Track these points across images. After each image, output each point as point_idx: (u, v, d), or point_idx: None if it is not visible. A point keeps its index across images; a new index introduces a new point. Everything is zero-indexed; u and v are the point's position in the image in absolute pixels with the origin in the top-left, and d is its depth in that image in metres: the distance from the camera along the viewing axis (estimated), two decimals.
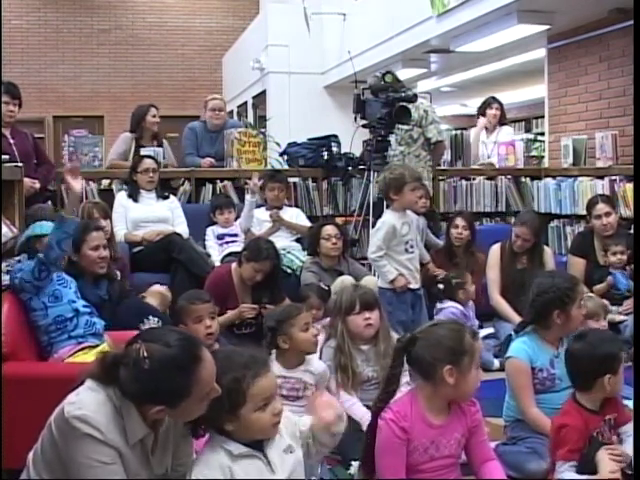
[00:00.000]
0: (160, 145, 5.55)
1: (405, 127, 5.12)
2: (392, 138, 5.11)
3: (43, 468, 1.89)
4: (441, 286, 4.34)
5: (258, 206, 5.10)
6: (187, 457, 2.03)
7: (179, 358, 1.82)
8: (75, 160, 5.10)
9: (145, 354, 1.79)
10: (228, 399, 1.85)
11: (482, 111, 6.53)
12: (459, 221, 4.79)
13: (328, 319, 3.40)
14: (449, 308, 4.22)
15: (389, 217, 4.00)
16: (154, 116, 5.54)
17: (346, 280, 4.10)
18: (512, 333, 2.99)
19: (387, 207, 4.14)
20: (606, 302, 4.11)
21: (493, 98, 6.58)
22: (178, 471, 2.02)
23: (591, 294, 4.01)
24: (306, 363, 2.87)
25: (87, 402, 1.83)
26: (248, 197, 4.91)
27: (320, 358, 3.09)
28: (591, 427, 2.38)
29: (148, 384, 1.80)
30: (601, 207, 4.52)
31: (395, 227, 3.93)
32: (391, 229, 3.92)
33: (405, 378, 2.41)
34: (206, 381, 1.84)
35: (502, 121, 6.51)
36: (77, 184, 3.11)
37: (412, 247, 3.98)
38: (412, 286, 3.99)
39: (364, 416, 2.85)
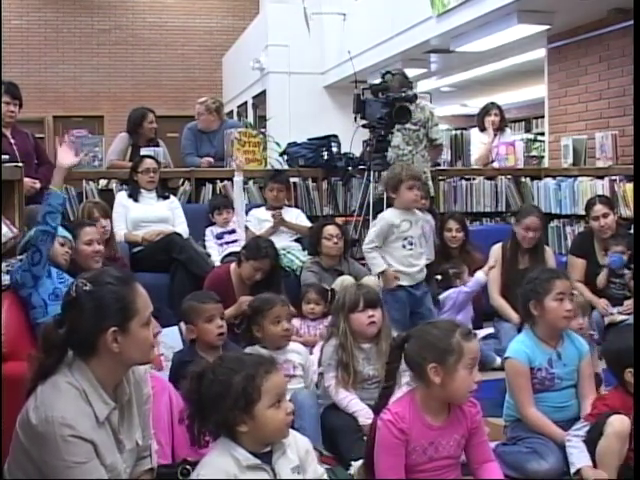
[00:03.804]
0: (157, 146, 5.55)
1: (413, 127, 5.12)
2: (399, 137, 5.11)
3: (21, 476, 1.86)
4: (439, 277, 4.34)
5: (258, 206, 5.11)
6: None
7: (115, 274, 1.96)
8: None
9: (83, 282, 1.90)
10: (243, 396, 1.84)
11: (482, 118, 6.40)
12: (452, 224, 4.79)
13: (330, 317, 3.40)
14: (452, 294, 4.23)
15: (388, 213, 4.02)
16: (151, 122, 5.57)
17: (346, 280, 4.10)
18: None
19: (389, 206, 4.14)
20: (590, 298, 4.07)
21: (492, 104, 6.46)
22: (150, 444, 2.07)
23: (574, 291, 3.98)
24: (289, 345, 3.09)
25: (49, 402, 1.80)
26: (235, 177, 4.99)
27: (320, 357, 3.10)
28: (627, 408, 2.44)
29: (94, 304, 1.87)
30: (599, 208, 4.51)
31: (393, 224, 3.93)
32: (387, 225, 3.93)
33: (405, 378, 2.42)
34: (145, 299, 1.95)
35: (502, 125, 6.44)
36: (67, 157, 3.29)
37: (412, 244, 3.96)
38: (405, 283, 3.94)
39: (362, 410, 2.86)
